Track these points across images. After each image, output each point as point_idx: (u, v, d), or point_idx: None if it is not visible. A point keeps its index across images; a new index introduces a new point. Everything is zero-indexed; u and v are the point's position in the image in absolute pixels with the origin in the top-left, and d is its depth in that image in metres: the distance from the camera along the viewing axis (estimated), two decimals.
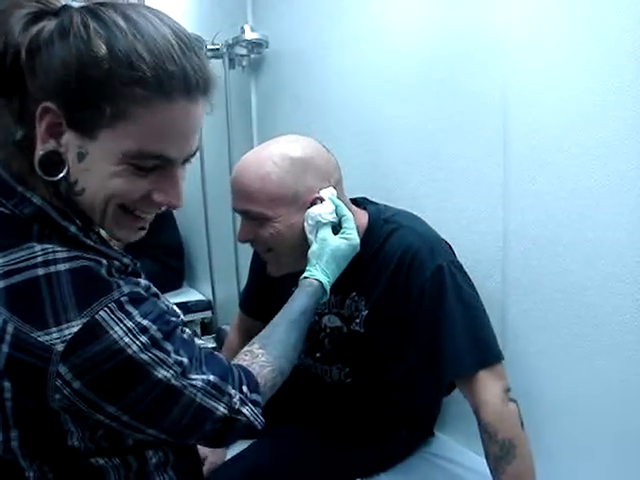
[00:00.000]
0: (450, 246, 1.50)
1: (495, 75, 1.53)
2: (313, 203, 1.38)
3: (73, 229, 0.90)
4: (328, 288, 1.32)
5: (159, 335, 0.88)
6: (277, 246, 1.41)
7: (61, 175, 0.86)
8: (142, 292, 0.91)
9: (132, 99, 0.82)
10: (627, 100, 1.26)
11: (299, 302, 1.26)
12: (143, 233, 1.01)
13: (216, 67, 2.75)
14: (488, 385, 1.32)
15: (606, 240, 1.34)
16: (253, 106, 2.77)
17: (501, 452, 1.27)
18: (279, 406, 1.69)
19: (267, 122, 2.69)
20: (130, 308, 0.86)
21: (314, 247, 1.36)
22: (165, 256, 3.45)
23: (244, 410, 1.00)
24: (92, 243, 0.92)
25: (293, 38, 2.40)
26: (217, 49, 2.68)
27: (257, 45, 2.56)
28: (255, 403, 1.03)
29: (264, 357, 1.12)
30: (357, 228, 1.44)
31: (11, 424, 0.88)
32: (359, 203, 1.56)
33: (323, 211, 1.37)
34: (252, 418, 1.01)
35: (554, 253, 1.45)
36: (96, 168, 0.86)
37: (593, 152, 1.34)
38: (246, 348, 1.15)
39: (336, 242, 1.35)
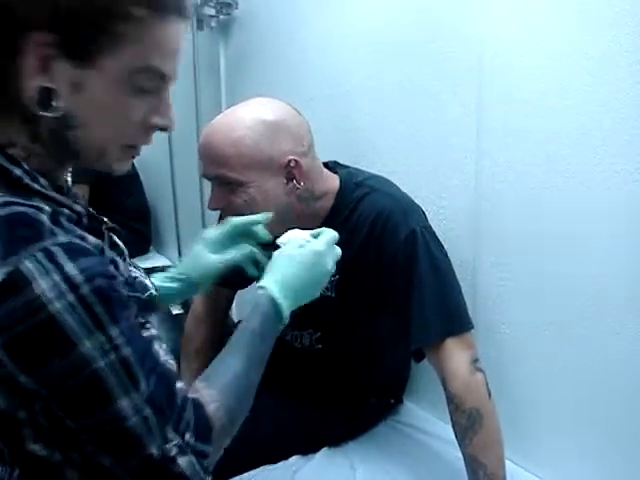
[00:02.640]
0: (423, 212, 1.48)
1: (471, 39, 1.51)
2: (287, 167, 1.35)
3: (18, 172, 0.81)
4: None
5: (94, 299, 0.74)
6: (249, 213, 1.37)
7: (54, 111, 0.80)
8: (86, 246, 0.79)
9: (131, 19, 0.80)
10: (603, 67, 1.25)
11: (251, 323, 1.04)
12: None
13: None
14: (456, 354, 1.32)
15: (579, 205, 1.33)
16: (222, 69, 2.71)
17: (468, 422, 1.27)
18: None
19: (236, 86, 2.64)
20: (62, 259, 0.74)
21: (274, 255, 1.20)
22: (131, 220, 3.40)
23: (180, 461, 0.82)
24: (39, 188, 0.83)
25: (265, 4, 2.35)
26: None
27: (226, 5, 2.50)
28: (200, 454, 0.85)
29: (205, 391, 0.93)
30: (329, 193, 1.42)
31: None
32: (330, 167, 1.54)
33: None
34: (189, 473, 0.82)
35: (527, 220, 1.44)
36: (96, 96, 0.82)
37: (568, 119, 1.32)
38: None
39: (300, 256, 1.12)
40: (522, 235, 1.46)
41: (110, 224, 0.98)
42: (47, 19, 0.76)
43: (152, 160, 3.57)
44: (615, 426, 1.33)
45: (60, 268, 0.73)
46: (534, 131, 1.40)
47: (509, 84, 1.44)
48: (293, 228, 1.47)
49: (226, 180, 1.34)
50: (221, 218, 1.64)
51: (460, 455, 1.31)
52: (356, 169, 1.55)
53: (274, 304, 1.04)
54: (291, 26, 2.19)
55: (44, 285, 0.71)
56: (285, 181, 1.37)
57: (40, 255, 0.73)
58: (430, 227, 1.43)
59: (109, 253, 0.89)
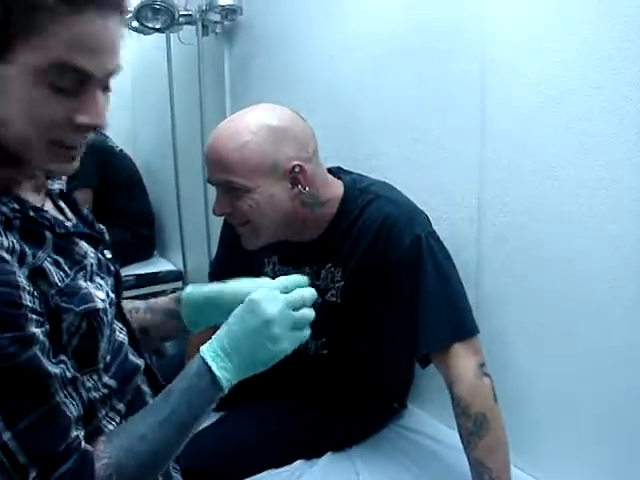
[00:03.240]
0: (427, 217, 1.48)
1: (473, 48, 1.51)
2: (292, 172, 1.35)
3: None
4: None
5: None
6: (255, 218, 1.37)
7: None
8: None
9: (42, 9, 0.78)
10: (605, 74, 1.25)
11: (178, 386, 0.97)
12: (76, 165, 0.92)
13: (189, 33, 2.70)
14: (462, 359, 1.32)
15: (582, 214, 1.33)
16: (226, 74, 2.71)
17: (474, 427, 1.27)
18: (251, 378, 1.68)
19: (241, 91, 2.64)
20: None
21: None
22: (135, 225, 3.42)
23: None
24: None
25: (268, 5, 2.35)
26: (190, 15, 2.62)
27: (231, 11, 2.51)
28: None
29: (102, 446, 0.88)
30: (333, 199, 1.43)
31: None
32: (334, 172, 1.54)
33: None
34: None
35: (530, 226, 1.45)
36: (15, 92, 0.81)
37: (571, 127, 1.33)
38: None
39: (255, 315, 0.99)
40: (525, 240, 1.46)
41: (71, 228, 0.97)
42: None
43: (156, 165, 3.58)
44: (619, 433, 1.33)
45: None
46: (536, 138, 1.40)
47: (511, 91, 1.44)
48: (298, 233, 1.47)
49: (232, 186, 1.34)
50: (226, 223, 1.65)
51: (464, 460, 1.31)
52: (360, 175, 1.56)
53: (209, 371, 0.95)
54: (295, 32, 2.19)
55: None
56: (290, 186, 1.37)
57: None
58: (435, 233, 1.43)
59: (35, 262, 0.84)
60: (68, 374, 0.85)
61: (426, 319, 1.35)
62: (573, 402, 1.41)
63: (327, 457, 1.58)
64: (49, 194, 1.01)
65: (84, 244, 0.98)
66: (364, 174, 1.58)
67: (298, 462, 1.55)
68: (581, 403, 1.40)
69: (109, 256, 1.05)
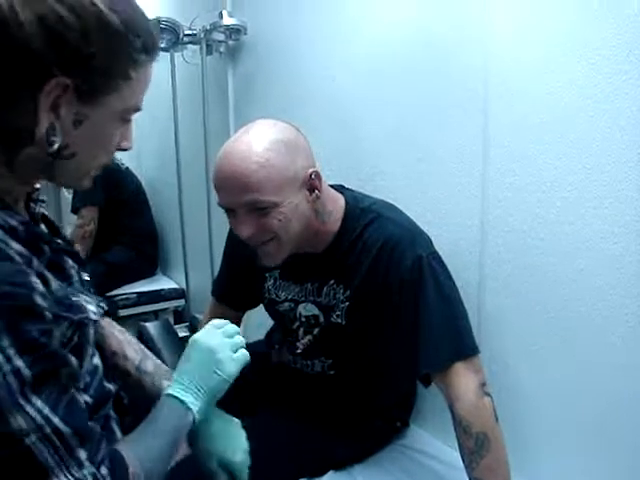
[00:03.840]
0: (429, 237, 1.49)
1: (477, 67, 1.52)
2: (310, 180, 1.37)
3: None
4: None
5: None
6: (284, 232, 1.36)
7: (57, 146, 0.85)
8: (7, 251, 0.82)
9: (137, 64, 0.88)
10: (607, 94, 1.26)
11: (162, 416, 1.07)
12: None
13: (193, 53, 2.72)
14: (463, 378, 1.32)
15: (584, 234, 1.34)
16: (230, 93, 2.73)
17: (475, 446, 1.27)
18: (256, 397, 1.68)
19: (244, 110, 2.66)
20: None
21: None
22: (139, 243, 3.44)
23: None
24: None
25: (272, 25, 2.37)
26: (194, 34, 2.65)
27: (235, 31, 2.53)
28: None
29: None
30: (335, 211, 1.45)
31: None
32: (336, 189, 1.55)
33: None
34: None
35: (532, 246, 1.45)
36: (92, 131, 0.88)
37: (574, 146, 1.34)
38: None
39: (200, 348, 1.15)
40: (527, 260, 1.47)
41: (62, 245, 1.00)
42: (69, 66, 0.81)
43: (160, 183, 3.60)
44: (620, 452, 1.33)
45: None
46: (539, 158, 1.41)
47: (514, 111, 1.45)
48: (308, 246, 1.48)
49: (258, 205, 1.33)
50: (230, 240, 1.66)
51: (465, 479, 1.31)
52: (361, 194, 1.56)
53: (177, 399, 1.07)
54: (298, 52, 2.21)
55: None
56: (308, 193, 1.38)
57: None
58: (436, 253, 1.43)
59: (38, 267, 0.87)
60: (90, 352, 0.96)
61: (427, 339, 1.35)
62: (574, 422, 1.41)
63: (329, 476, 1.57)
64: (31, 214, 1.03)
65: (70, 261, 1.00)
66: (366, 193, 1.58)
67: None
68: (582, 423, 1.40)
69: (87, 279, 1.07)
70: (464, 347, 1.35)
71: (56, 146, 0.84)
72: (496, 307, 1.56)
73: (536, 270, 1.45)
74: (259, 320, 1.82)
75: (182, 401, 1.06)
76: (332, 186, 1.55)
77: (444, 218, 1.66)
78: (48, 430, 0.79)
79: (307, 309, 1.53)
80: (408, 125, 1.75)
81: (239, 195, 1.33)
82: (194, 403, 1.06)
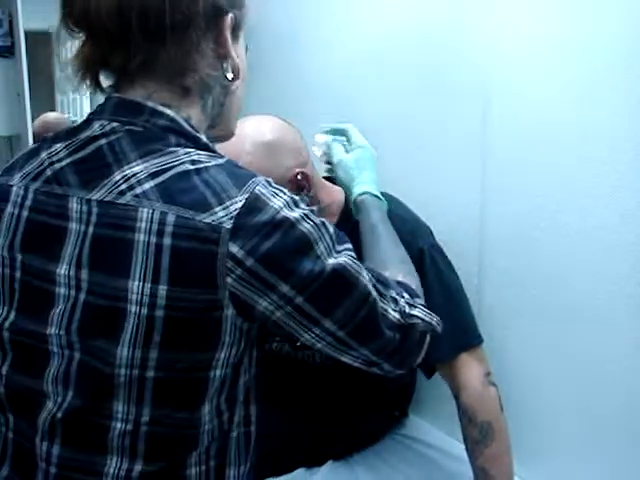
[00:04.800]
0: (429, 228, 1.49)
1: (477, 55, 1.53)
2: (296, 180, 1.35)
3: (204, 139, 0.92)
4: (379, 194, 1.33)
5: (309, 211, 0.86)
6: None
7: (234, 78, 0.95)
8: None
9: None
10: (611, 99, 1.28)
11: (373, 219, 1.26)
12: None
13: None
14: (468, 368, 1.33)
15: (584, 224, 1.35)
16: None
17: (480, 435, 1.28)
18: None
19: (242, 105, 2.63)
20: (275, 186, 0.86)
21: (340, 172, 1.38)
22: None
23: (415, 312, 0.95)
24: (214, 148, 0.94)
25: (270, 19, 2.35)
26: None
27: None
28: (423, 305, 0.99)
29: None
30: (334, 204, 1.44)
31: (155, 340, 0.82)
32: (333, 180, 1.54)
33: (325, 139, 1.42)
34: (427, 318, 0.97)
35: (531, 238, 1.46)
36: (240, 65, 0.96)
37: (575, 135, 1.34)
38: None
39: (354, 154, 1.38)
40: (527, 250, 1.47)
41: None
42: (232, 5, 0.92)
43: None
44: (623, 440, 1.34)
45: (280, 191, 0.85)
46: (539, 146, 1.42)
47: (514, 101, 1.46)
48: None
49: None
50: None
51: (464, 468, 1.33)
52: None
53: (377, 197, 1.31)
54: (297, 47, 2.20)
55: (279, 203, 0.82)
56: (296, 193, 1.37)
57: (265, 183, 0.84)
58: (438, 245, 1.44)
59: None
60: None
61: None
62: (576, 412, 1.42)
63: (328, 465, 1.57)
64: None
65: None
66: None
67: (299, 470, 1.54)
68: (584, 413, 1.40)
69: None
70: (468, 337, 1.36)
71: (232, 78, 0.94)
72: (496, 297, 1.57)
73: (536, 260, 1.46)
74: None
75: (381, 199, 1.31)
76: (332, 179, 1.55)
77: (443, 208, 1.66)
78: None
79: None
80: (407, 114, 1.75)
81: None
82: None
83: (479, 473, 1.28)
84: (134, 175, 0.83)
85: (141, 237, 0.80)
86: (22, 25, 3.69)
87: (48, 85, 6.51)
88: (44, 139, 0.95)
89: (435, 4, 1.64)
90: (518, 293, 1.51)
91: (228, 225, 0.79)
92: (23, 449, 0.91)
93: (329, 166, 1.40)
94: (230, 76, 0.94)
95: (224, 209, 0.79)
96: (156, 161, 0.83)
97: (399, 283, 0.99)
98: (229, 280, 0.80)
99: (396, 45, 1.76)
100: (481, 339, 1.37)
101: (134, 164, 0.83)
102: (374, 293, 0.88)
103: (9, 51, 3.85)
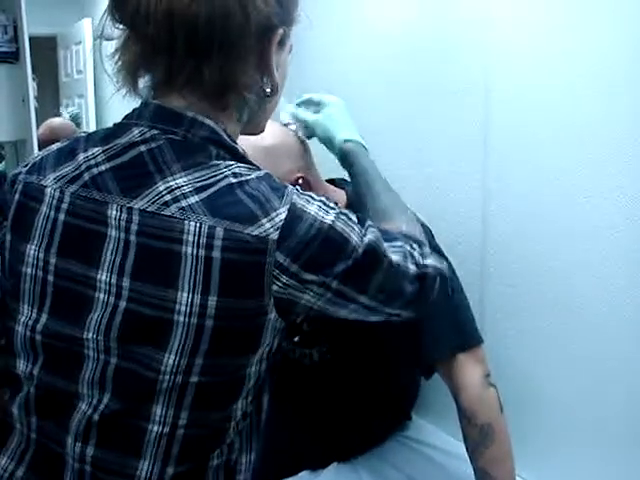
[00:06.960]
0: (430, 229, 1.49)
1: (478, 56, 1.54)
2: (296, 183, 1.36)
3: (241, 149, 0.94)
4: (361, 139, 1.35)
5: (338, 208, 0.89)
6: None
7: (271, 87, 0.97)
8: None
9: None
10: (612, 100, 1.28)
11: (363, 168, 1.29)
12: None
13: None
14: (467, 369, 1.32)
15: (584, 225, 1.35)
16: None
17: (480, 437, 1.28)
18: None
19: None
20: (306, 193, 0.89)
21: (318, 132, 1.38)
22: None
23: (428, 262, 0.99)
24: (249, 159, 0.96)
25: None
26: None
27: None
28: (430, 252, 1.03)
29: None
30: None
31: (202, 349, 0.85)
32: (337, 184, 1.55)
33: (290, 111, 1.43)
34: (439, 265, 1.01)
35: (532, 237, 1.46)
36: (282, 73, 1.00)
37: (576, 135, 1.35)
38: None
39: (325, 111, 1.38)
40: (529, 250, 1.48)
41: None
42: (283, 21, 0.94)
43: None
44: (624, 440, 1.34)
45: (310, 197, 0.88)
46: (540, 148, 1.42)
47: (516, 101, 1.46)
48: None
49: None
50: None
51: (469, 470, 1.32)
52: None
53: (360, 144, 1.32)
54: (300, 49, 2.17)
55: (314, 209, 0.85)
56: None
57: (297, 192, 0.87)
58: (438, 246, 1.43)
59: None
60: None
61: (430, 330, 1.36)
62: (577, 412, 1.42)
63: (332, 468, 1.57)
64: None
65: None
66: None
67: (303, 473, 1.54)
68: (585, 413, 1.40)
69: None
70: (468, 338, 1.36)
71: (270, 88, 0.96)
72: (498, 297, 1.57)
73: (538, 260, 1.46)
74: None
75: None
76: (334, 180, 1.55)
77: (445, 208, 1.66)
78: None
79: None
80: (411, 119, 1.75)
81: None
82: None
83: (480, 474, 1.28)
84: (178, 187, 0.84)
85: (189, 250, 0.82)
86: (27, 31, 3.69)
87: (53, 90, 6.53)
88: (76, 139, 0.96)
89: (435, 4, 1.64)
90: (520, 293, 1.51)
91: (275, 236, 0.82)
92: (47, 449, 0.92)
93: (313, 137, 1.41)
94: (268, 91, 0.96)
95: (269, 221, 0.82)
96: (199, 174, 0.85)
97: (406, 236, 1.02)
98: (274, 287, 0.83)
99: (396, 45, 1.77)
100: (481, 339, 1.37)
101: (177, 176, 0.85)
102: (395, 257, 0.92)
103: (14, 57, 3.86)
